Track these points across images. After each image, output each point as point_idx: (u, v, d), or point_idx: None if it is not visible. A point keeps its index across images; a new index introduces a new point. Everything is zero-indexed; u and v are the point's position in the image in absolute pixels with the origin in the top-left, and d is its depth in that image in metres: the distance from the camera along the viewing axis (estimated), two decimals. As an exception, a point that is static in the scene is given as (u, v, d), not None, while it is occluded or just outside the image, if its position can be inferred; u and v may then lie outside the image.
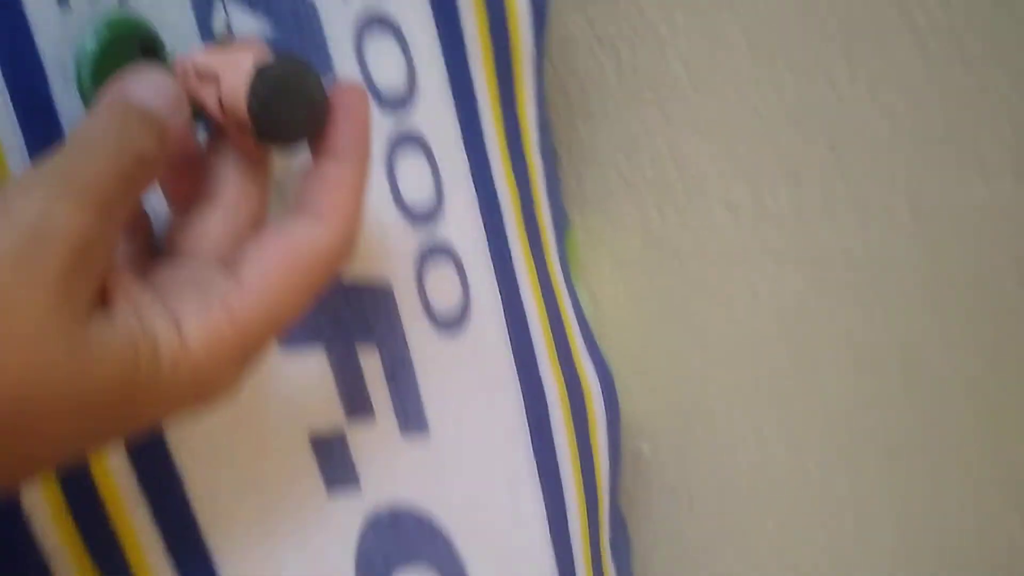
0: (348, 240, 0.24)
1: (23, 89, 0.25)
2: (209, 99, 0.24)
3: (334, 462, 0.33)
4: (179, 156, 0.25)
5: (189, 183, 0.26)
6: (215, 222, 0.25)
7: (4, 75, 0.25)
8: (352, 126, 0.25)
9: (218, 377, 0.23)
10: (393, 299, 0.34)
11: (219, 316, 0.22)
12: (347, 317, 0.33)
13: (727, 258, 0.40)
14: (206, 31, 0.28)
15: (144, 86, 0.23)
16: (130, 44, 0.25)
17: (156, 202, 0.27)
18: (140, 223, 0.26)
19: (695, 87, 0.39)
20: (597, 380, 0.43)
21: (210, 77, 0.24)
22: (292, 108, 0.24)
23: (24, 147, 0.25)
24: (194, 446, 0.29)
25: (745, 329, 0.41)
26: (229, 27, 0.27)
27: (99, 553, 0.28)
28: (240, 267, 0.23)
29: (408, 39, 0.34)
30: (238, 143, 0.25)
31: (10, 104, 0.25)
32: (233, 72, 0.24)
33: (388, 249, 0.34)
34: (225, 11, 0.27)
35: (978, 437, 0.36)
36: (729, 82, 0.38)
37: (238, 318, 0.22)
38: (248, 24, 0.29)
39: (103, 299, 0.21)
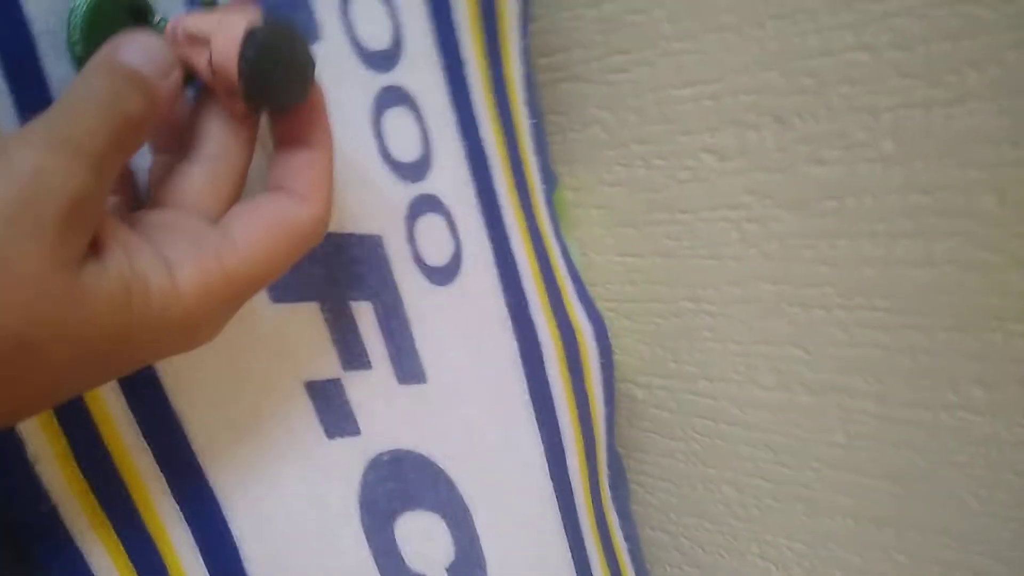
0: (326, 218, 0.26)
1: (12, 54, 0.25)
2: (200, 62, 0.24)
3: (332, 409, 0.33)
4: (168, 116, 0.25)
5: (175, 138, 0.26)
6: (199, 176, 0.25)
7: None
8: (320, 118, 0.27)
9: (205, 322, 0.24)
10: (384, 252, 0.34)
11: (213, 267, 0.23)
12: (339, 271, 0.33)
13: (714, 203, 0.40)
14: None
15: (135, 49, 0.23)
16: (120, 7, 0.25)
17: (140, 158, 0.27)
18: (126, 177, 0.26)
19: (679, 38, 0.38)
20: (590, 325, 0.43)
21: (201, 41, 0.24)
22: (281, 72, 0.24)
23: (15, 112, 0.25)
24: (191, 393, 0.30)
25: (733, 271, 0.41)
26: None
27: (106, 497, 0.29)
28: (231, 227, 0.24)
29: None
30: (227, 104, 0.25)
31: (3, 73, 0.25)
32: (224, 35, 0.24)
33: (378, 203, 0.34)
34: None
35: (969, 363, 0.36)
36: (713, 32, 0.37)
37: (229, 271, 0.23)
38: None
39: (95, 246, 0.21)
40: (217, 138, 0.25)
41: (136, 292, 0.21)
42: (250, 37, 0.23)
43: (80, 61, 0.25)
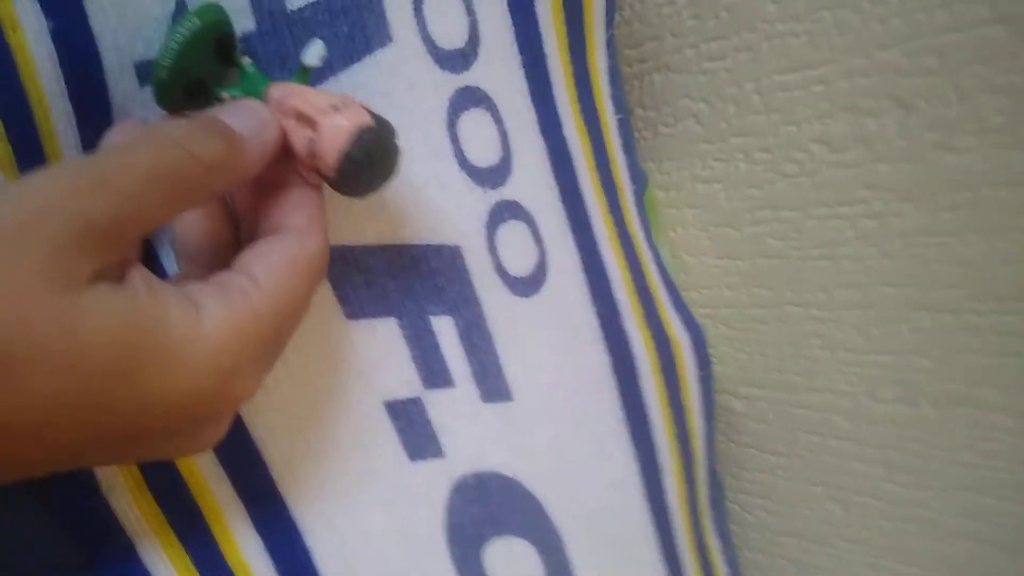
0: (327, 249, 0.25)
1: (77, 71, 0.23)
2: (297, 139, 0.24)
3: (414, 430, 0.31)
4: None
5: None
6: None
7: (60, 60, 0.23)
8: None
9: (236, 369, 0.21)
10: (464, 263, 0.31)
11: (241, 308, 0.21)
12: (417, 284, 0.31)
13: (826, 198, 0.36)
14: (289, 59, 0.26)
15: (231, 110, 0.23)
16: (209, 35, 0.24)
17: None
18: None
19: (783, 19, 0.34)
20: (686, 334, 0.39)
21: (307, 121, 0.23)
22: (375, 174, 0.25)
23: (76, 129, 0.24)
24: (269, 417, 0.28)
25: (849, 273, 0.36)
26: (318, 61, 0.25)
27: (183, 529, 0.27)
28: (252, 268, 0.23)
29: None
30: (302, 173, 0.25)
31: (65, 91, 0.23)
32: (334, 126, 0.23)
33: (455, 212, 0.31)
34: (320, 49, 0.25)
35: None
36: (824, 9, 0.33)
37: (258, 311, 0.22)
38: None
39: (117, 277, 0.20)
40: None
41: (149, 316, 0.19)
42: (359, 138, 0.23)
43: (163, 84, 0.23)
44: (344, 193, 0.25)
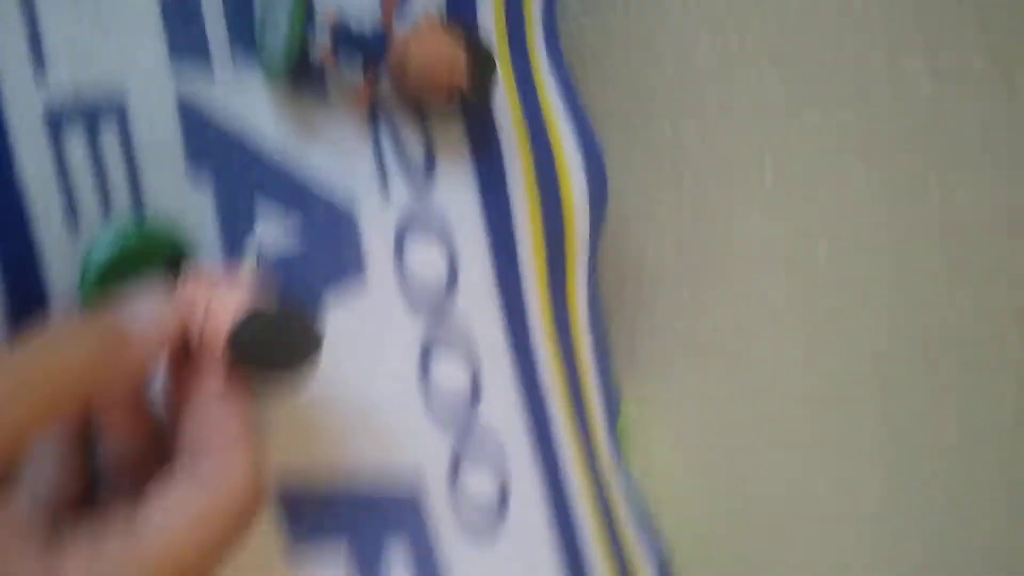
0: (252, 479, 0.20)
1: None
2: (193, 327, 0.21)
3: None
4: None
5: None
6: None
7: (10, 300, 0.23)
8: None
9: None
10: (423, 512, 0.30)
11: (113, 558, 0.18)
12: (369, 530, 0.29)
13: (808, 409, 0.34)
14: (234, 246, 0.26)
15: (123, 306, 0.20)
16: (154, 253, 0.23)
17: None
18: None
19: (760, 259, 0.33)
20: (653, 562, 0.37)
21: (198, 307, 0.21)
22: (272, 358, 0.22)
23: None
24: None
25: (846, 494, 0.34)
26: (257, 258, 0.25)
27: None
28: (147, 508, 0.19)
29: (452, 229, 0.31)
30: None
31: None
32: (221, 311, 0.21)
33: (418, 456, 0.30)
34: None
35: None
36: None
37: (140, 562, 0.18)
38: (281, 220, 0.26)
39: None
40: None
41: None
42: (242, 325, 0.21)
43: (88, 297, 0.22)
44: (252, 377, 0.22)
